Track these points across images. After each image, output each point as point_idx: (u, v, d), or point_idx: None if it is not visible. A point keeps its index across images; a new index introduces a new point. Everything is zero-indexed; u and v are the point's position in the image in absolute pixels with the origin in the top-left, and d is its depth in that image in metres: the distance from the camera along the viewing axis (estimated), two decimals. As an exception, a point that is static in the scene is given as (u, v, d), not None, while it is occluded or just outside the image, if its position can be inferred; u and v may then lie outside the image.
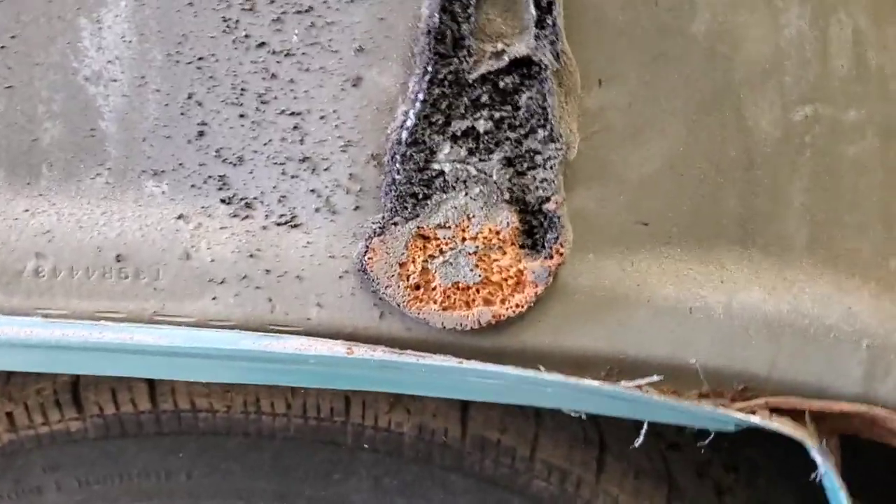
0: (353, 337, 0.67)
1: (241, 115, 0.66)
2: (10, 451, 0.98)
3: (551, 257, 0.64)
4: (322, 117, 0.65)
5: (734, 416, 0.65)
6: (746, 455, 1.21)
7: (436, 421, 0.99)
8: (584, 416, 1.04)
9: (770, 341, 0.69)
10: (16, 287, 0.66)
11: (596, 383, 0.64)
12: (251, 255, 0.67)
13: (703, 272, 0.70)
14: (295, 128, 0.66)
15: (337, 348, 0.64)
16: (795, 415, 0.71)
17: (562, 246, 0.64)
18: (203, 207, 0.67)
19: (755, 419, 0.65)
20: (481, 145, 0.63)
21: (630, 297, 0.68)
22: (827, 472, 0.69)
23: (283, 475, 0.97)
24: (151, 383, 0.96)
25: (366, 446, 0.97)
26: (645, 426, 0.69)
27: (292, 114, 0.66)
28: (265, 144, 0.66)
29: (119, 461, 0.98)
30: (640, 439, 0.69)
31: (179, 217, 0.67)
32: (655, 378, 0.66)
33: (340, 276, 0.67)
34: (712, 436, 0.70)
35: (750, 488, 1.22)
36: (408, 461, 0.98)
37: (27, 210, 0.67)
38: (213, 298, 0.67)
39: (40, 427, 0.98)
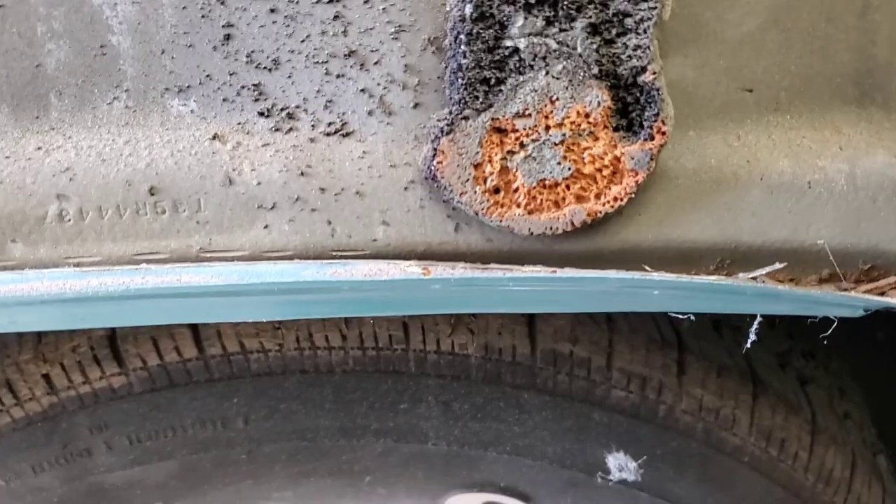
0: (426, 255, 0.59)
1: (272, 10, 0.56)
2: (52, 415, 0.93)
3: (652, 138, 0.55)
4: (366, 1, 0.55)
5: (866, 299, 0.57)
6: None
7: (502, 339, 0.93)
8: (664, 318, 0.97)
9: (901, 210, 0.60)
10: (40, 236, 0.58)
11: (712, 279, 0.55)
12: (302, 174, 0.58)
13: (819, 140, 0.60)
14: (336, 17, 0.56)
15: (412, 269, 0.56)
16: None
17: (663, 123, 0.55)
18: (240, 124, 0.58)
19: (891, 300, 0.57)
20: (560, 12, 0.53)
21: (740, 176, 0.59)
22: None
23: (346, 410, 0.92)
24: (195, 328, 0.90)
25: (431, 372, 0.91)
26: (758, 319, 0.61)
27: (331, 1, 0.56)
28: (303, 41, 0.57)
29: (170, 414, 0.92)
30: (752, 337, 0.61)
31: (214, 137, 0.58)
32: (777, 266, 0.58)
33: (406, 188, 0.58)
34: (835, 323, 0.62)
35: (829, 375, 1.16)
36: (476, 383, 0.92)
37: (40, 147, 0.58)
38: (265, 227, 0.58)
39: (81, 386, 0.93)
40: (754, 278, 0.58)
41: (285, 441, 0.92)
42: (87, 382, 0.93)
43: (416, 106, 0.58)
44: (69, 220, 0.58)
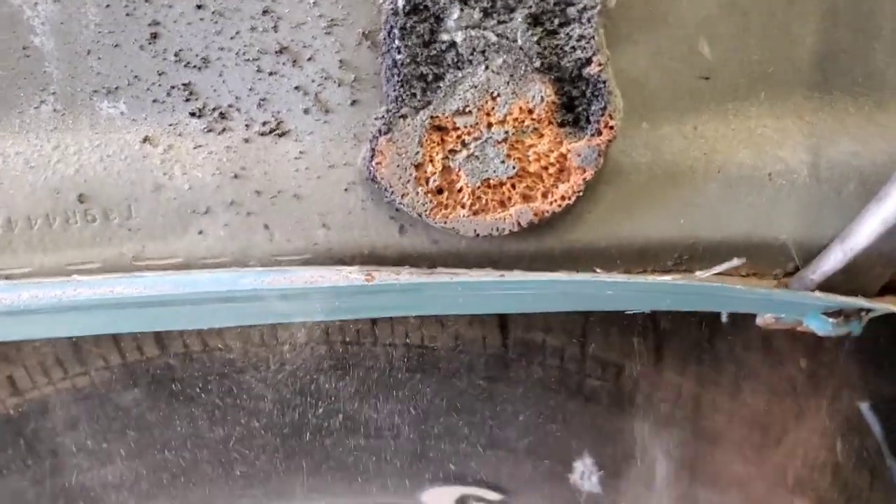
0: (371, 258, 0.56)
1: (199, 6, 0.53)
2: (17, 417, 0.91)
3: (599, 133, 0.52)
4: (296, -6, 0.52)
5: (824, 298, 0.55)
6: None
7: (472, 329, 0.91)
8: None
9: (866, 201, 0.57)
10: (-33, 248, 0.56)
11: (667, 279, 0.52)
12: (236, 176, 0.55)
13: (781, 128, 0.57)
14: (265, 12, 0.53)
15: (354, 276, 0.53)
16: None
17: (611, 117, 0.52)
18: (171, 125, 0.56)
19: (863, 302, 0.55)
20: (498, 3, 0.50)
21: (697, 169, 0.56)
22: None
23: (316, 406, 0.90)
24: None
25: (400, 365, 0.89)
26: (724, 315, 0.59)
27: (259, -5, 0.53)
28: (232, 38, 0.54)
29: (135, 412, 0.91)
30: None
31: (145, 140, 0.55)
32: (735, 262, 0.55)
33: (346, 189, 0.56)
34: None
35: (815, 360, 1.14)
36: (448, 376, 0.91)
37: None
38: (200, 232, 0.56)
39: (45, 387, 0.92)
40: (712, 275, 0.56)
41: (257, 438, 0.91)
42: (51, 383, 0.92)
43: (353, 103, 0.55)
44: (-3, 230, 0.56)
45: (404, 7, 0.50)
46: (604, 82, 0.51)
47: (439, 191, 0.54)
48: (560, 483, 0.94)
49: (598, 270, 0.56)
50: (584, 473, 0.93)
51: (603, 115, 0.52)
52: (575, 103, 0.53)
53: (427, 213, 0.54)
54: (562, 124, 0.53)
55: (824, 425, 1.07)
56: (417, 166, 0.53)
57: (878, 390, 1.34)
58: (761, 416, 0.98)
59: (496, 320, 0.91)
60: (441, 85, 0.52)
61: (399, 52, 0.51)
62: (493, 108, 0.52)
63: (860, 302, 0.59)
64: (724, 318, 0.85)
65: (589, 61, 0.51)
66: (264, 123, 0.56)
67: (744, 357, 1.00)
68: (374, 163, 0.53)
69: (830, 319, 0.61)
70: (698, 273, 0.55)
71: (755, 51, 0.56)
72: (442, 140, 0.53)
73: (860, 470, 1.10)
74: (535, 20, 0.51)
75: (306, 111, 0.55)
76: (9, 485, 0.94)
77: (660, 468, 0.96)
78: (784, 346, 1.11)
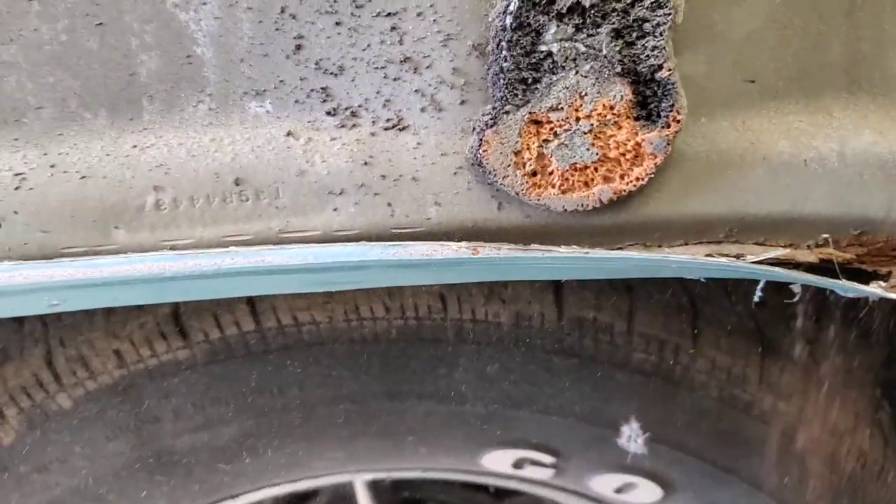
0: (473, 230, 0.68)
1: (337, 23, 0.65)
2: (123, 387, 1.01)
3: (668, 126, 0.64)
4: (419, 14, 0.64)
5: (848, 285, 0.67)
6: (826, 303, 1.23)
7: (531, 307, 1.01)
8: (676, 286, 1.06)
9: (886, 183, 0.69)
10: (139, 223, 0.67)
11: (724, 260, 0.65)
12: (365, 163, 0.67)
13: (813, 123, 0.69)
14: (392, 28, 0.65)
15: (463, 251, 0.65)
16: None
17: (678, 113, 0.64)
18: (310, 122, 0.67)
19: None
20: (588, 20, 0.62)
21: (746, 156, 0.68)
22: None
23: (390, 375, 1.00)
24: (252, 303, 0.98)
25: (467, 339, 1.00)
26: (762, 283, 0.70)
27: (388, 14, 0.65)
28: (364, 50, 0.66)
29: (231, 383, 1.01)
30: (757, 297, 0.70)
31: (289, 134, 0.67)
32: (781, 251, 0.67)
33: (455, 173, 0.68)
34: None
35: (836, 335, 1.24)
36: (509, 349, 1.01)
37: (135, 146, 0.67)
38: (335, 210, 0.67)
39: (149, 360, 1.01)
40: (760, 261, 0.68)
41: (336, 405, 1.01)
42: (155, 356, 1.01)
43: (462, 103, 0.67)
44: (165, 208, 0.67)
45: (511, 24, 0.62)
46: (673, 84, 0.64)
47: (534, 173, 0.66)
48: (608, 445, 1.05)
49: (664, 248, 0.68)
50: (631, 437, 1.04)
51: (672, 111, 0.64)
52: (648, 101, 0.65)
53: (523, 191, 0.66)
54: (637, 118, 0.65)
55: (853, 401, 1.17)
56: (517, 153, 0.65)
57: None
58: (791, 389, 1.08)
59: (552, 298, 1.02)
60: (538, 87, 0.64)
61: (505, 61, 0.63)
62: (581, 105, 0.64)
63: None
64: (756, 297, 0.96)
65: (661, 67, 0.63)
66: (388, 120, 0.68)
67: (774, 333, 1.10)
68: (481, 150, 0.65)
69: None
70: (749, 257, 0.67)
71: (792, 59, 0.68)
72: (538, 131, 0.65)
73: (875, 438, 1.20)
74: (617, 34, 0.63)
75: (423, 110, 0.67)
76: (115, 448, 1.05)
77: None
78: (810, 323, 1.22)
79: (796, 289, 0.84)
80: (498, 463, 1.08)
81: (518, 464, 1.08)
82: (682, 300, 1.06)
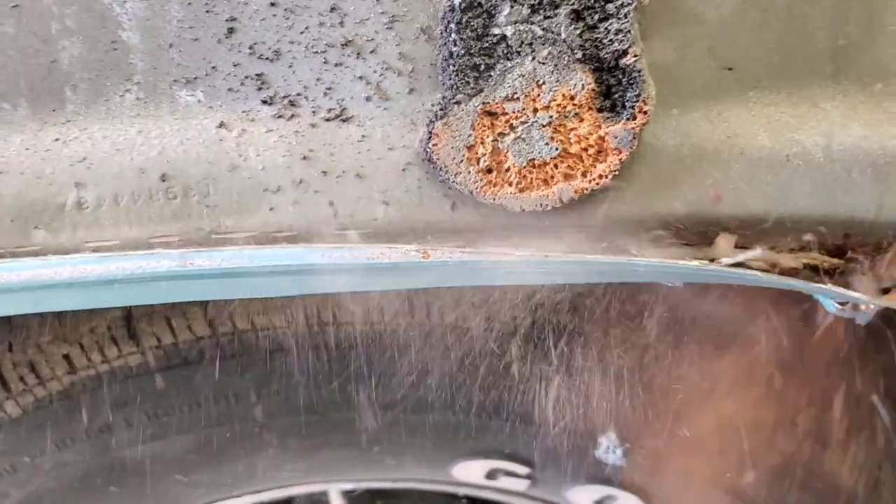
0: (426, 232, 0.62)
1: (272, 4, 0.59)
2: (73, 393, 0.96)
3: (634, 118, 0.58)
4: (361, -7, 0.59)
5: (835, 290, 0.61)
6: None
7: (503, 312, 0.96)
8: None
9: (876, 181, 0.63)
10: (60, 223, 0.62)
11: (696, 264, 0.59)
12: (304, 157, 0.61)
13: (797, 114, 0.63)
14: (332, 9, 0.59)
15: (412, 254, 0.59)
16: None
17: (645, 103, 0.58)
18: (244, 112, 0.62)
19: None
20: (545, 0, 0.56)
21: (721, 151, 0.62)
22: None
23: (352, 383, 0.95)
24: (206, 308, 0.93)
25: (435, 344, 0.94)
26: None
27: (328, -6, 0.59)
28: (302, 33, 0.60)
29: (186, 390, 0.96)
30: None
31: (221, 125, 0.62)
32: (759, 252, 0.61)
33: (404, 169, 0.62)
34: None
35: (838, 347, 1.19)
36: (478, 355, 0.96)
37: (57, 139, 0.62)
38: (271, 209, 0.62)
39: (100, 365, 0.96)
40: (735, 264, 0.62)
41: (297, 415, 0.96)
42: (106, 361, 0.96)
43: (411, 91, 0.61)
44: (87, 207, 0.62)
45: (461, 4, 0.56)
46: (638, 71, 0.57)
47: (489, 170, 0.60)
48: (585, 457, 1.00)
49: (632, 251, 0.62)
50: (609, 448, 0.99)
51: (637, 101, 0.58)
52: (612, 91, 0.59)
53: (477, 190, 0.60)
54: (600, 110, 0.59)
55: (839, 408, 1.11)
56: (469, 148, 0.59)
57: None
58: (779, 397, 1.03)
59: (526, 303, 0.97)
60: (492, 74, 0.58)
61: (455, 45, 0.57)
62: (538, 95, 0.58)
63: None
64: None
65: (625, 53, 0.57)
66: (330, 110, 0.62)
67: (757, 341, 1.05)
68: (430, 144, 0.59)
69: (837, 304, 0.67)
70: (724, 260, 0.61)
71: (773, 44, 0.62)
72: (492, 124, 0.59)
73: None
74: (577, 16, 0.57)
75: (368, 98, 0.61)
76: (65, 458, 0.99)
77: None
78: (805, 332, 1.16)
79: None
80: (470, 474, 1.02)
81: (491, 474, 1.03)
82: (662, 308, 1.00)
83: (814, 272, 0.64)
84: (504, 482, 1.05)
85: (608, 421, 1.00)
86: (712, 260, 0.62)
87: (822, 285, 0.62)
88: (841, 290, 0.62)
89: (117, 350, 0.96)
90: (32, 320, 1.00)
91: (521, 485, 1.05)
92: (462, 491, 1.10)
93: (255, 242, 0.61)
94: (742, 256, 0.61)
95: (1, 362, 0.98)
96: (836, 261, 0.64)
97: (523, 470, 1.02)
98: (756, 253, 0.61)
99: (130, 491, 1.05)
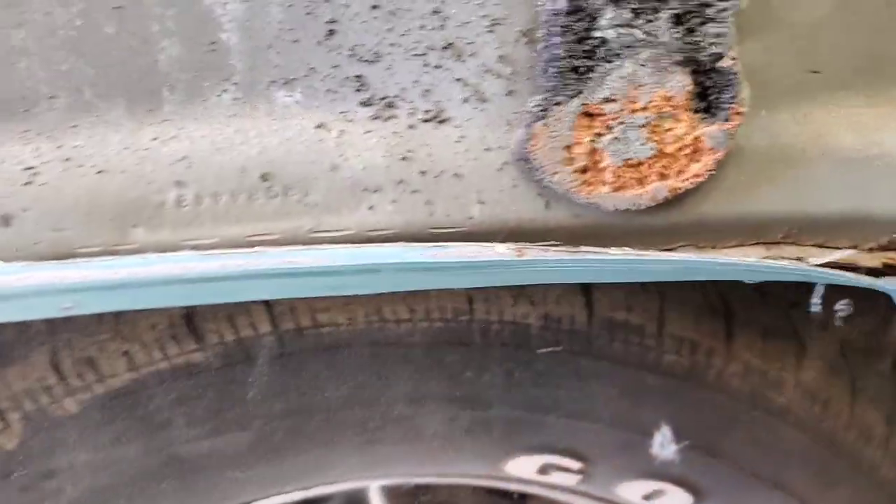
0: (518, 230, 0.64)
1: (374, 6, 0.60)
2: (133, 390, 0.97)
3: (729, 119, 0.60)
4: (463, -3, 0.60)
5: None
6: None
7: (560, 308, 0.97)
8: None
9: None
10: (160, 220, 0.63)
11: (783, 263, 0.60)
12: (403, 158, 0.63)
13: (879, 116, 0.65)
14: (434, 12, 0.60)
15: (508, 252, 0.60)
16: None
17: (740, 105, 0.59)
18: (342, 113, 0.63)
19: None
20: (646, 4, 0.58)
21: (808, 151, 0.64)
22: None
23: (414, 379, 0.96)
24: (269, 304, 0.94)
25: (494, 342, 0.96)
26: (821, 289, 0.66)
27: (429, -3, 0.60)
28: (402, 35, 0.61)
29: (245, 387, 0.97)
30: (818, 305, 0.66)
31: (320, 126, 0.63)
32: (846, 252, 0.63)
33: (499, 169, 0.63)
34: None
35: (866, 336, 1.21)
36: (536, 351, 0.97)
37: (155, 138, 0.63)
38: (370, 208, 0.63)
39: (160, 363, 0.97)
40: (823, 264, 0.63)
41: (358, 409, 0.97)
42: (166, 358, 0.97)
43: (509, 93, 0.62)
44: (186, 205, 0.63)
45: (565, 8, 0.58)
46: (735, 74, 0.59)
47: (584, 170, 0.62)
48: (639, 452, 1.01)
49: (722, 250, 0.63)
50: (663, 443, 1.00)
51: (733, 102, 0.59)
52: (708, 92, 0.60)
53: (573, 189, 0.62)
54: (696, 111, 0.60)
55: (876, 401, 1.13)
56: (567, 148, 0.61)
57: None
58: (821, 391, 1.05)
59: (582, 300, 0.98)
60: (592, 76, 0.59)
61: (557, 48, 0.59)
62: (637, 96, 0.60)
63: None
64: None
65: (722, 56, 0.59)
66: (427, 111, 0.63)
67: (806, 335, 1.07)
68: (529, 144, 0.61)
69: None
70: (811, 259, 0.63)
71: (859, 48, 0.64)
72: (590, 125, 0.60)
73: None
74: (677, 19, 0.59)
75: (466, 100, 0.63)
76: (124, 454, 1.00)
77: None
78: (840, 328, 1.18)
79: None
80: (523, 469, 1.04)
81: (544, 469, 1.04)
82: (714, 301, 1.02)
83: (893, 270, 0.66)
84: (556, 477, 1.06)
85: (662, 416, 1.01)
86: (798, 259, 0.63)
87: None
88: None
89: (178, 347, 0.97)
90: (92, 317, 1.01)
91: (573, 480, 1.06)
92: (513, 487, 1.11)
93: (353, 241, 0.63)
94: (830, 257, 0.62)
95: (61, 359, 0.98)
96: (914, 259, 0.66)
97: (576, 465, 1.03)
98: (843, 254, 0.62)
99: (186, 486, 1.05)
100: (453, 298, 0.95)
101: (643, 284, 1.00)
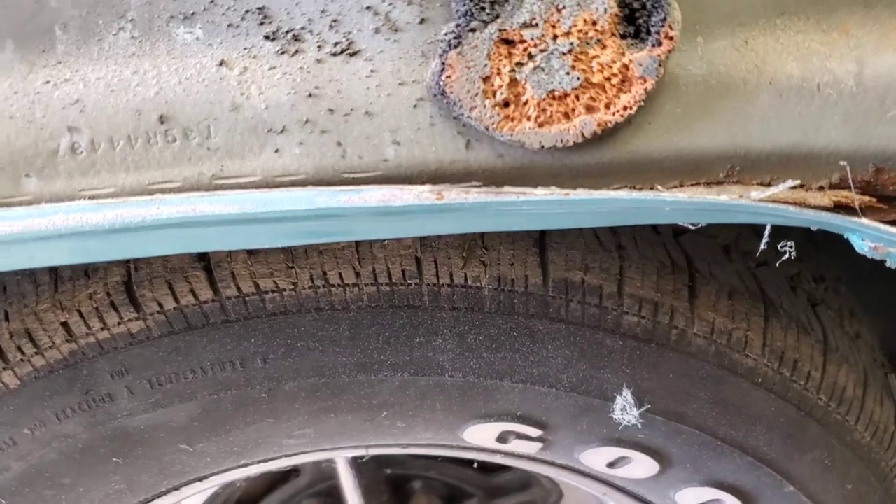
0: (438, 174, 0.59)
1: (273, -71, 0.55)
2: (73, 362, 0.94)
3: (660, 44, 0.55)
4: (368, -85, 0.55)
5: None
6: (830, 263, 1.16)
7: (514, 270, 0.93)
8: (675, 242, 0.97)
9: (910, 111, 0.60)
10: (53, 169, 0.58)
11: (724, 199, 0.55)
12: (310, 95, 0.58)
13: (828, 41, 0.60)
14: (337, -66, 0.55)
15: (425, 195, 0.56)
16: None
17: (671, 28, 0.54)
18: (246, 49, 0.58)
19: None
20: (564, -82, 0.53)
21: (749, 80, 0.59)
22: None
23: (362, 346, 0.92)
24: (209, 270, 0.90)
25: (445, 305, 0.92)
26: (768, 228, 0.61)
27: (332, -83, 0.55)
28: (305, -39, 0.56)
29: (189, 356, 0.93)
30: (763, 245, 0.62)
31: (221, 63, 0.58)
32: (790, 183, 0.58)
33: (415, 105, 0.58)
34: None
35: (838, 297, 1.17)
36: (490, 315, 0.93)
37: (48, 81, 0.58)
38: (276, 151, 0.58)
39: (100, 333, 0.94)
40: (765, 199, 0.58)
41: (303, 378, 0.93)
42: (106, 328, 0.93)
43: (422, 21, 0.57)
44: (81, 152, 0.58)
45: (475, -77, 0.53)
46: (664, -6, 0.54)
47: (506, 104, 0.57)
48: (600, 417, 0.97)
49: (658, 187, 0.59)
50: (625, 408, 0.96)
51: (663, 25, 0.54)
52: (636, 15, 0.55)
53: (494, 125, 0.57)
54: (624, 36, 0.56)
55: (850, 363, 1.09)
56: (485, 79, 0.56)
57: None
58: (791, 351, 1.00)
59: (537, 260, 0.94)
60: (509, -1, 0.54)
61: (469, -32, 0.54)
62: (558, 21, 0.55)
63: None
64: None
65: (650, -27, 0.54)
66: (336, 44, 0.58)
67: (773, 296, 1.02)
68: (443, 77, 0.56)
69: (869, 242, 0.64)
70: (753, 194, 0.58)
71: (803, -33, 0.59)
72: (509, 53, 0.56)
73: (885, 406, 1.13)
74: (598, -66, 0.54)
75: (377, 31, 0.58)
76: (68, 429, 0.97)
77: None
78: (810, 287, 1.14)
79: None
80: (481, 437, 1.00)
81: (502, 437, 1.00)
82: (677, 259, 0.98)
83: (845, 210, 0.61)
84: (515, 445, 1.02)
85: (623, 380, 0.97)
86: (738, 182, 0.58)
87: (855, 220, 0.58)
88: (876, 225, 0.58)
89: (118, 316, 0.93)
90: (28, 287, 0.97)
91: (533, 448, 1.02)
92: (473, 455, 1.07)
93: (259, 187, 0.58)
94: (771, 191, 0.57)
95: (-2, 332, 0.95)
96: (867, 198, 0.61)
97: (535, 432, 0.99)
98: (785, 186, 0.57)
99: (134, 461, 1.02)
100: (401, 261, 0.91)
101: (601, 243, 0.96)
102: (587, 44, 0.55)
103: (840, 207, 0.62)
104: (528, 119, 0.56)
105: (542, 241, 0.94)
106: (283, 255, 0.89)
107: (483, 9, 0.54)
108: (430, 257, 0.92)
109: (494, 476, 1.45)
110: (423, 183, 0.58)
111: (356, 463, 1.25)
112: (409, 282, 0.92)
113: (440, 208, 0.56)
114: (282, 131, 0.58)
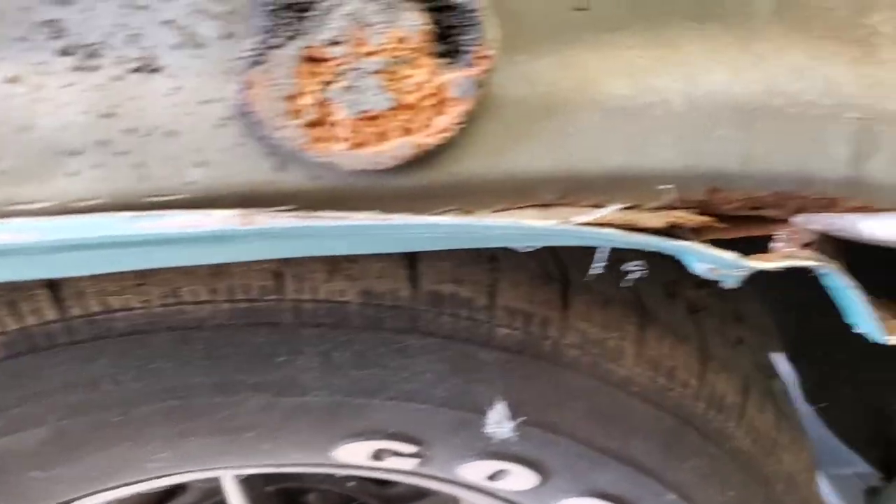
0: (250, 197, 0.55)
1: (58, -65, 0.51)
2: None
3: (473, 64, 0.52)
4: (160, -77, 0.51)
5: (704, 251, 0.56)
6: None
7: (382, 283, 0.90)
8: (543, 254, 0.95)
9: (741, 129, 0.58)
10: None
11: (550, 224, 0.53)
12: (106, 115, 0.54)
13: (656, 58, 0.58)
14: (129, -58, 0.51)
15: (231, 220, 0.52)
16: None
17: (486, 48, 0.52)
18: (38, 64, 0.54)
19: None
20: (366, -70, 0.49)
21: (572, 100, 0.56)
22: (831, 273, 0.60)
23: (219, 366, 0.88)
24: (55, 290, 0.86)
25: (308, 321, 0.88)
26: (607, 252, 0.59)
27: (122, -77, 0.51)
28: (97, -30, 0.52)
29: (36, 379, 0.88)
30: (600, 268, 0.60)
31: (12, 80, 0.53)
32: (611, 209, 0.56)
33: (220, 125, 0.55)
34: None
35: (722, 301, 1.17)
36: (357, 330, 0.90)
37: None
38: (71, 174, 0.54)
39: (-60, 356, 0.88)
40: (590, 223, 0.56)
41: (158, 401, 0.89)
42: (-55, 351, 0.88)
43: (227, 36, 0.53)
44: None
45: (271, -67, 0.49)
46: (474, 11, 0.51)
47: (315, 124, 0.53)
48: (475, 431, 0.95)
49: (482, 213, 0.56)
50: (499, 420, 0.94)
51: (477, 45, 0.52)
52: (450, 33, 0.52)
53: (303, 146, 0.53)
54: (438, 55, 0.53)
55: (730, 370, 1.09)
56: (291, 98, 0.53)
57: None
58: (666, 359, 1.00)
59: (406, 273, 0.91)
60: (311, 14, 0.51)
61: (268, -20, 0.50)
62: (365, 38, 0.52)
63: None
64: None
65: (460, -11, 0.51)
66: (136, 60, 0.54)
67: (649, 304, 1.01)
68: (246, 95, 0.52)
69: (703, 265, 0.62)
70: (581, 218, 0.56)
71: (630, -18, 0.57)
72: (316, 71, 0.52)
73: (766, 412, 1.13)
74: (404, -54, 0.51)
75: (178, 46, 0.54)
76: None
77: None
78: (691, 294, 1.13)
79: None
80: (354, 456, 0.97)
81: (377, 455, 0.97)
82: (551, 269, 0.96)
83: (679, 232, 0.59)
84: (392, 462, 0.99)
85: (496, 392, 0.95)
86: (569, 205, 0.56)
87: (684, 243, 0.57)
88: (706, 249, 0.57)
89: (-43, 339, 0.88)
90: None
91: (410, 464, 1.00)
92: (354, 473, 1.04)
93: (56, 213, 0.54)
94: (597, 214, 0.55)
95: None
96: (703, 218, 0.59)
97: (410, 449, 0.97)
98: (611, 210, 0.55)
99: (-17, 491, 0.96)
100: (259, 276, 0.87)
101: (473, 255, 0.93)
102: (398, 63, 0.52)
103: (677, 227, 0.60)
104: (340, 140, 0.53)
105: (412, 253, 0.91)
106: (133, 271, 0.85)
107: (285, 24, 0.51)
108: (292, 272, 0.89)
109: (390, 487, 1.43)
110: (233, 206, 0.54)
111: (244, 479, 1.21)
112: (268, 298, 0.88)
113: (248, 234, 0.53)
114: (76, 153, 0.54)
